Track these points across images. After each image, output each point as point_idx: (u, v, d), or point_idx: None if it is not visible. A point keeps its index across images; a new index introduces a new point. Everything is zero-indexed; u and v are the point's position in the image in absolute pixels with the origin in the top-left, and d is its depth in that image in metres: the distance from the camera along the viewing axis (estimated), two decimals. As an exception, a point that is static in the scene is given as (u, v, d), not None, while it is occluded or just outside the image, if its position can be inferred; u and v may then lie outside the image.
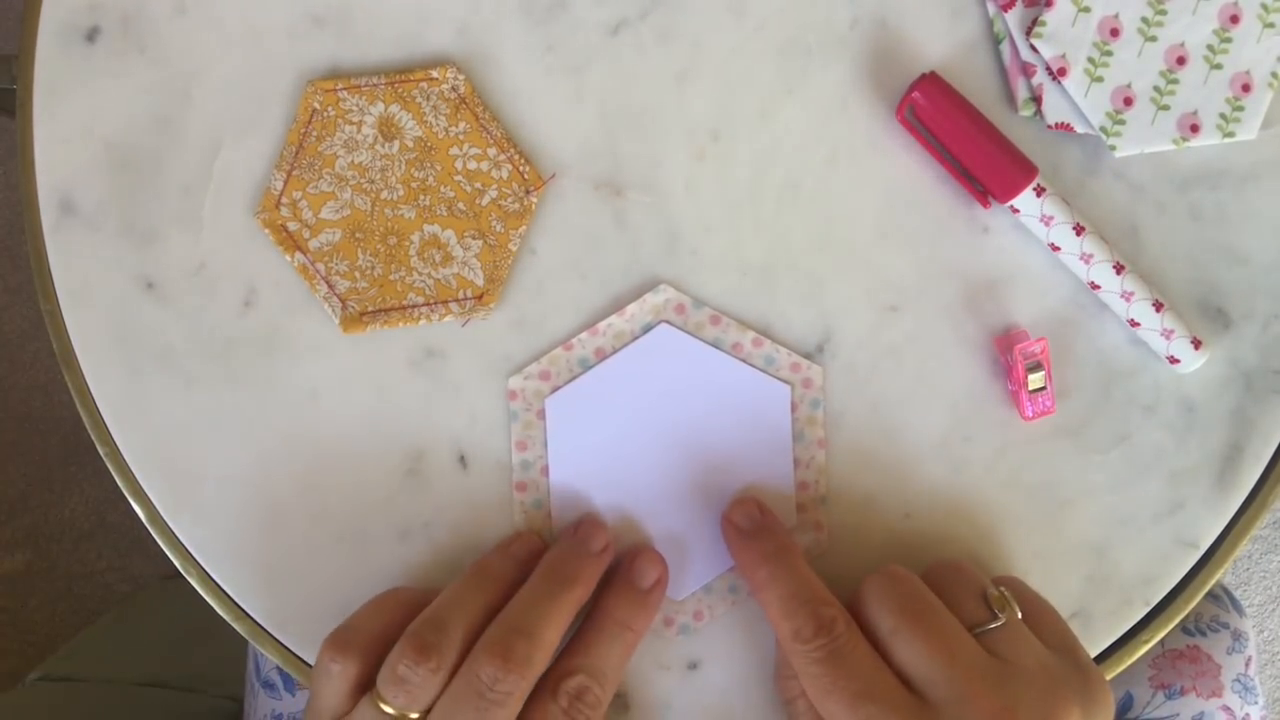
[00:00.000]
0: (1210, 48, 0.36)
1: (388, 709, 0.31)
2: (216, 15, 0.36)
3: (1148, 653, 0.48)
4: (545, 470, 0.37)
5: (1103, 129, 0.36)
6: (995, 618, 0.32)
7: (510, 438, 0.37)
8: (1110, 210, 0.37)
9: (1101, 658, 0.38)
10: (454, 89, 0.36)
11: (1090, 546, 0.38)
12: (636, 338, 0.37)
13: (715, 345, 0.37)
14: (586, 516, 0.36)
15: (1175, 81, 0.36)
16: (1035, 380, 0.37)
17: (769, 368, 0.37)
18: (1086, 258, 0.36)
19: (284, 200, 0.36)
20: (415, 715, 0.31)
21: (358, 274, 0.37)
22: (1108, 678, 0.38)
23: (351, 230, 0.36)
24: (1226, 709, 0.53)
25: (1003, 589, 0.33)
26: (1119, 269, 0.36)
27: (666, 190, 0.37)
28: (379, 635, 0.32)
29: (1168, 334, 0.37)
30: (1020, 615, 0.33)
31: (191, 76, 0.37)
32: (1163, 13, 0.36)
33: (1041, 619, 0.34)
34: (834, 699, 0.30)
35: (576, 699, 0.32)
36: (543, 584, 0.33)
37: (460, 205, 0.36)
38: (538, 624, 0.32)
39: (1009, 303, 0.38)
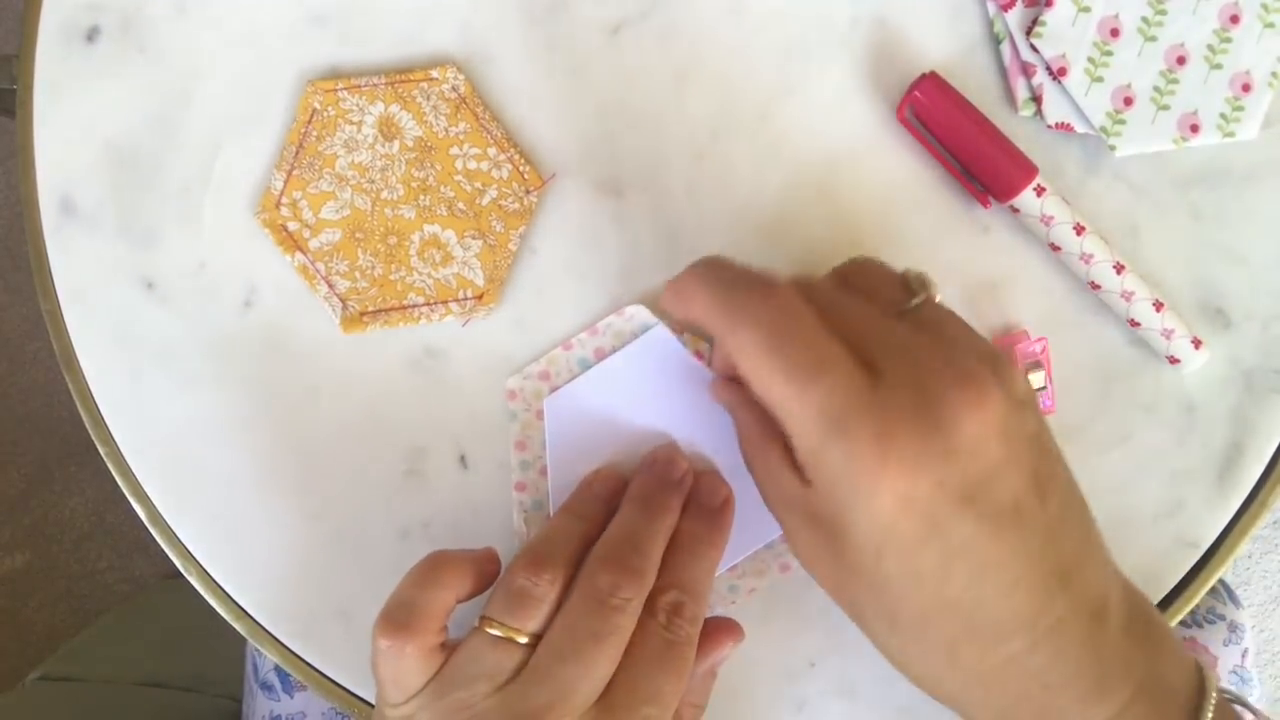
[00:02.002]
0: (1210, 48, 0.36)
1: (497, 632, 0.31)
2: (216, 15, 0.36)
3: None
4: (545, 470, 0.37)
5: (1103, 129, 0.36)
6: (914, 296, 0.30)
7: (510, 438, 0.37)
8: (1110, 210, 0.37)
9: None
10: (454, 89, 0.36)
11: (1090, 546, 0.38)
12: (636, 337, 0.37)
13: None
14: (663, 447, 0.36)
15: (1175, 81, 0.36)
16: (1035, 380, 0.37)
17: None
18: (1086, 258, 0.36)
19: (284, 200, 0.36)
20: (525, 639, 0.31)
21: (358, 274, 0.37)
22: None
23: (351, 230, 0.36)
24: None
25: (919, 271, 0.32)
26: (1119, 269, 0.36)
27: (666, 190, 0.37)
28: (433, 604, 0.32)
29: (1168, 334, 0.37)
30: (938, 296, 0.31)
31: (191, 76, 0.37)
32: (1163, 13, 0.36)
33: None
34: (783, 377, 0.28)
35: (674, 614, 0.32)
36: (636, 511, 0.34)
37: (460, 205, 0.36)
38: (642, 542, 0.33)
39: (1009, 303, 0.38)
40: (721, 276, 0.30)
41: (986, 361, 0.28)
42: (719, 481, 0.36)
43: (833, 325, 0.28)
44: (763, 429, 0.31)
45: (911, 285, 0.31)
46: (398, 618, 0.31)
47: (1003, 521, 0.27)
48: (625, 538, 0.33)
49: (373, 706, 0.38)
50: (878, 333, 0.28)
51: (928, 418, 0.26)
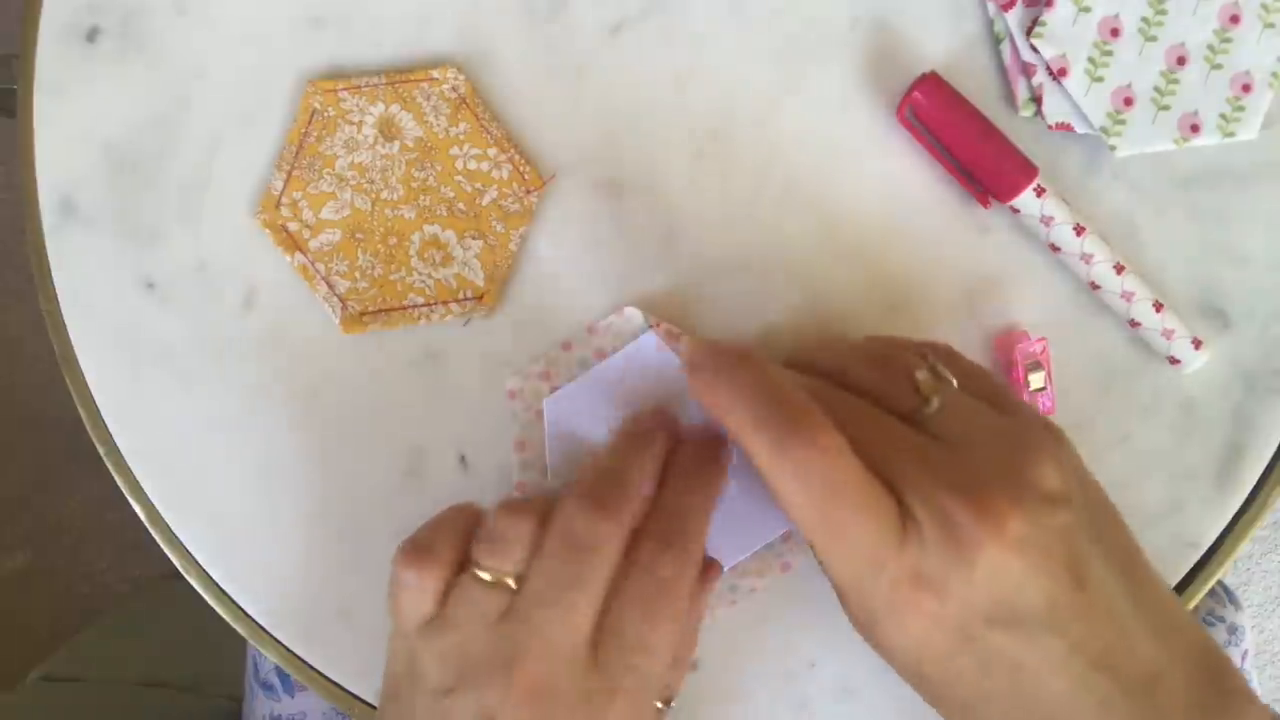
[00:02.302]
0: (1210, 48, 0.36)
1: (484, 575, 0.30)
2: (216, 15, 0.36)
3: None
4: (545, 470, 0.37)
5: (1103, 129, 0.36)
6: (928, 402, 0.31)
7: (510, 438, 0.37)
8: (1110, 210, 0.37)
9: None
10: (454, 89, 0.36)
11: (1090, 546, 0.38)
12: (636, 338, 0.37)
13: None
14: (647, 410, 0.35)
15: (1175, 81, 0.36)
16: (1035, 380, 0.37)
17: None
18: (1086, 258, 0.36)
19: (284, 200, 0.36)
20: (513, 581, 0.30)
21: (358, 274, 0.37)
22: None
23: (352, 230, 0.36)
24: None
25: (934, 363, 0.32)
26: (1119, 269, 0.36)
27: (666, 190, 0.37)
28: (455, 535, 0.31)
29: (1168, 334, 0.37)
30: (957, 384, 0.31)
31: (192, 77, 0.37)
32: (1163, 13, 0.36)
33: (980, 385, 0.32)
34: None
35: (659, 553, 0.31)
36: (621, 440, 0.33)
37: (460, 205, 0.36)
38: (623, 476, 0.31)
39: (1009, 303, 0.38)
40: (760, 396, 0.29)
41: (1006, 464, 0.29)
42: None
43: (857, 445, 0.29)
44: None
45: (924, 391, 0.31)
46: (419, 545, 0.31)
47: (1034, 627, 0.28)
48: (605, 472, 0.31)
49: (373, 707, 0.38)
50: (900, 456, 0.29)
51: (949, 553, 0.28)
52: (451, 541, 0.31)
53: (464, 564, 0.31)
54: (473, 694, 0.29)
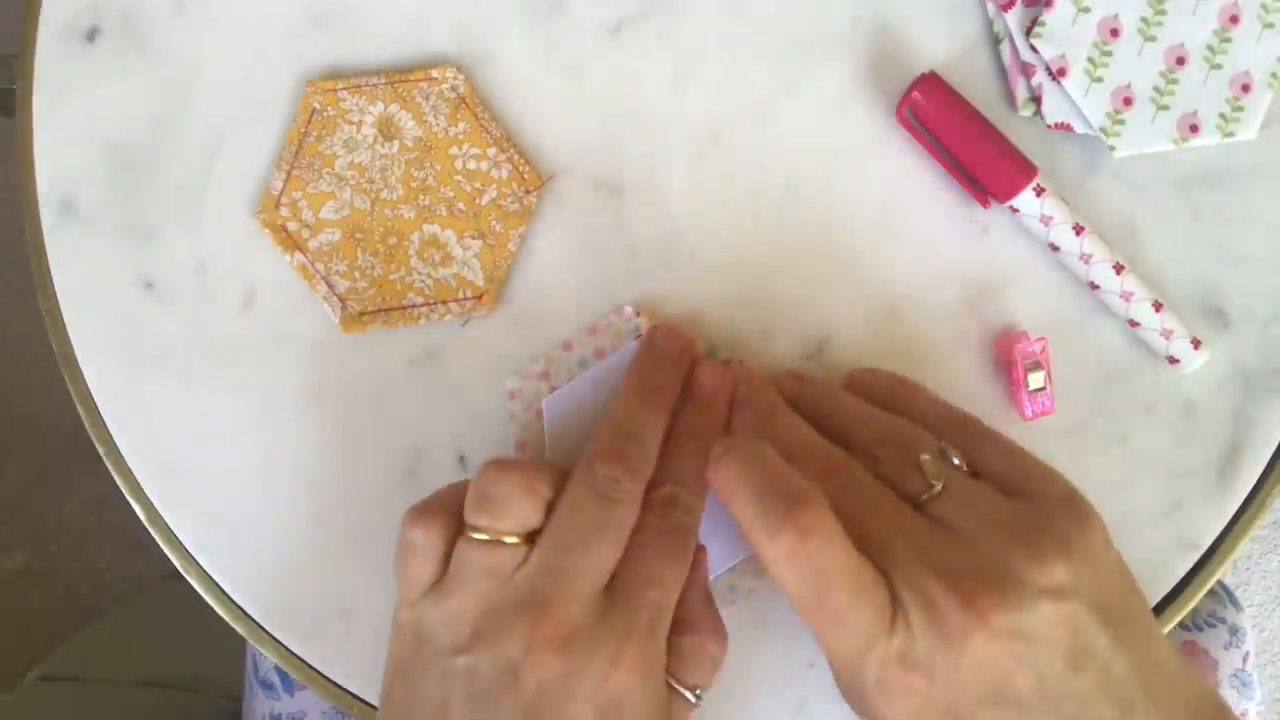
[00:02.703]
0: (1210, 48, 0.36)
1: (479, 535, 0.31)
2: (216, 15, 0.36)
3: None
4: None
5: (1103, 129, 0.36)
6: (932, 487, 0.31)
7: (510, 438, 0.37)
8: (1110, 210, 0.37)
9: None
10: (454, 89, 0.36)
11: (1090, 546, 0.38)
12: (636, 338, 0.37)
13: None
14: (659, 326, 0.36)
15: (1175, 81, 0.36)
16: (1035, 380, 0.37)
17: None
18: (1086, 258, 0.36)
19: (284, 200, 0.36)
20: (512, 539, 0.31)
21: (357, 274, 0.37)
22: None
23: (351, 230, 0.36)
24: (1225, 707, 0.53)
25: (942, 445, 0.33)
26: (1119, 269, 0.36)
27: (666, 190, 0.37)
28: (455, 502, 0.32)
29: (1167, 334, 0.37)
30: (964, 467, 0.32)
31: (191, 76, 0.37)
32: (1163, 13, 0.36)
33: (1005, 465, 0.33)
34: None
35: (669, 506, 0.33)
36: (634, 400, 0.34)
37: (460, 205, 0.36)
38: (639, 432, 0.33)
39: (1008, 303, 0.38)
40: (759, 483, 0.31)
41: (1002, 555, 0.29)
42: (712, 371, 0.36)
43: (855, 526, 0.30)
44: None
45: (928, 475, 0.32)
46: (423, 507, 0.32)
47: (1025, 708, 0.29)
48: (624, 427, 0.33)
49: (374, 707, 0.38)
50: (896, 540, 0.30)
51: (936, 640, 0.29)
52: (453, 506, 0.32)
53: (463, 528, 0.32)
54: (491, 648, 0.30)
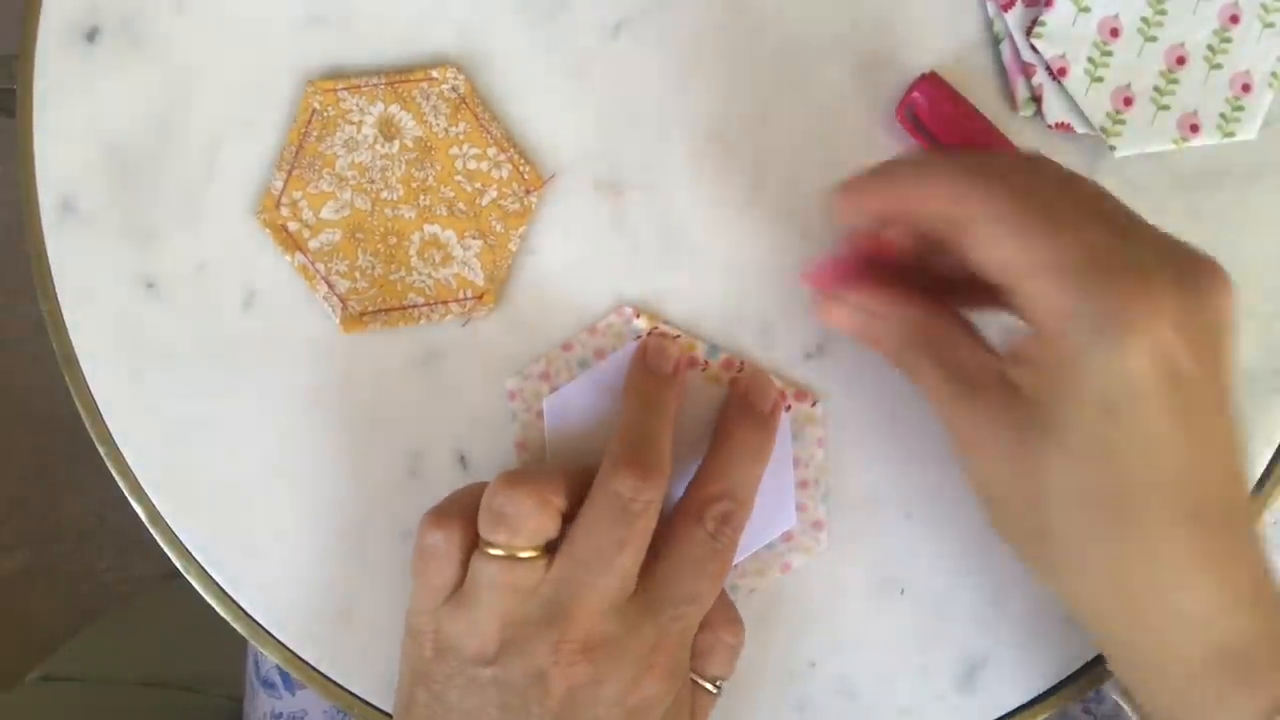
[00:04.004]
0: (1210, 48, 0.36)
1: (494, 551, 0.31)
2: (216, 15, 0.36)
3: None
4: (540, 465, 0.37)
5: (1103, 129, 0.36)
6: None
7: (510, 438, 0.37)
8: (1110, 210, 0.37)
9: (1101, 658, 0.38)
10: (454, 89, 0.36)
11: (1090, 546, 0.38)
12: (636, 338, 0.37)
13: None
14: (652, 337, 0.36)
15: (1175, 81, 0.36)
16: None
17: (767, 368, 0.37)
18: (1086, 258, 0.36)
19: (284, 200, 0.36)
20: (528, 553, 0.31)
21: (358, 274, 0.37)
22: (1108, 678, 0.38)
23: (351, 230, 0.36)
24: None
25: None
26: (1119, 269, 0.36)
27: (666, 190, 0.37)
28: (474, 506, 0.32)
29: (1168, 334, 0.37)
30: None
31: (191, 76, 0.37)
32: (1163, 13, 0.36)
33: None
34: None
35: (723, 523, 0.33)
36: (641, 407, 0.34)
37: (460, 205, 0.36)
38: (654, 438, 0.33)
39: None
40: (953, 159, 0.30)
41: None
42: (769, 385, 0.36)
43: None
44: (923, 325, 0.32)
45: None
46: (442, 510, 0.32)
47: (1227, 396, 0.28)
48: (638, 437, 0.33)
49: (373, 707, 0.38)
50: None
51: (1185, 280, 0.27)
52: (471, 509, 0.32)
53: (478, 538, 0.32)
54: (519, 658, 0.30)
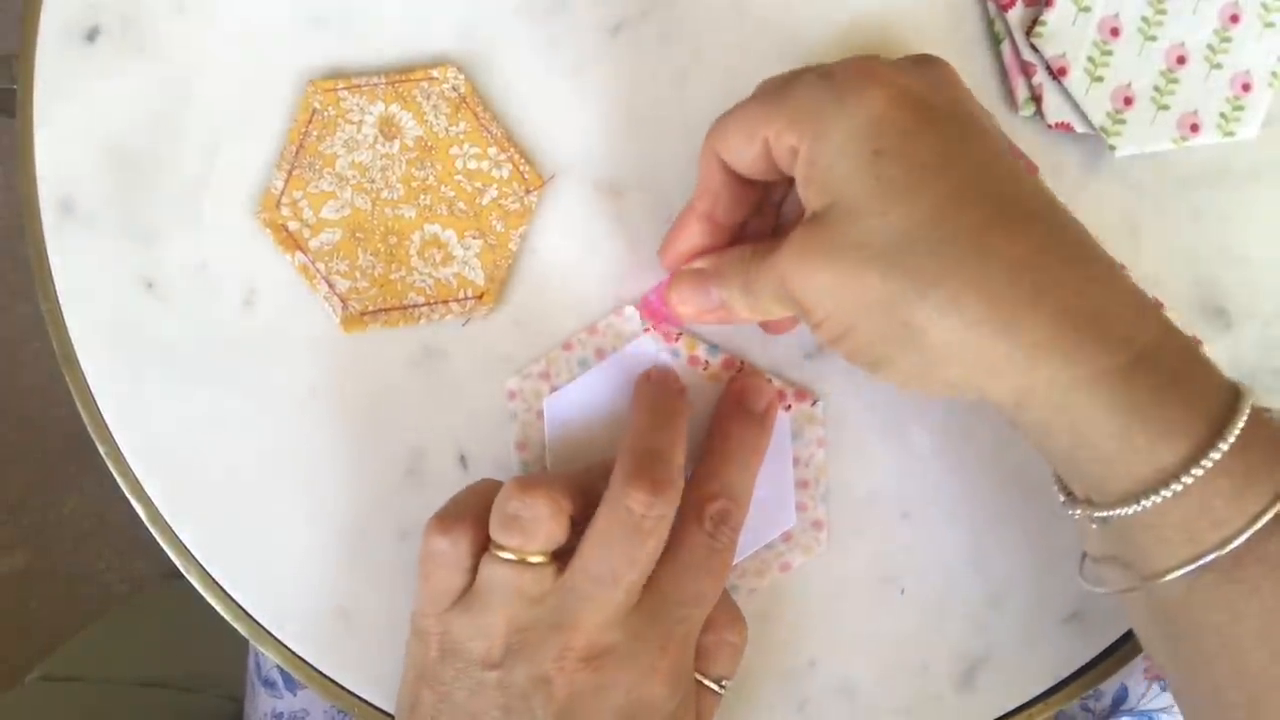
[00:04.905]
0: (1210, 47, 0.36)
1: (506, 555, 0.31)
2: (216, 15, 0.36)
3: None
4: (545, 471, 0.37)
5: (1103, 129, 0.36)
6: None
7: (510, 438, 0.37)
8: (1110, 210, 0.37)
9: (1101, 657, 0.38)
10: (454, 89, 0.36)
11: (1090, 546, 0.38)
12: (636, 338, 0.37)
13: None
14: (657, 368, 0.36)
15: (1175, 81, 0.36)
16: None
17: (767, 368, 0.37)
18: (1086, 257, 0.36)
19: (284, 200, 0.36)
20: (538, 559, 0.31)
21: (358, 273, 0.37)
22: (1108, 677, 0.38)
23: (352, 230, 0.36)
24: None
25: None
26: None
27: (667, 190, 0.37)
28: (485, 507, 0.32)
29: (1168, 334, 0.37)
30: None
31: (191, 76, 0.37)
32: (1163, 12, 0.36)
33: None
34: None
35: (721, 522, 0.33)
36: (652, 420, 0.34)
37: (460, 205, 0.36)
38: (666, 452, 0.32)
39: (1009, 302, 0.38)
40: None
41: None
42: (764, 385, 0.36)
43: None
44: (737, 262, 0.33)
45: None
46: (448, 514, 0.32)
47: (982, 121, 0.30)
48: (649, 451, 0.32)
49: (374, 707, 0.38)
50: None
51: (902, 61, 0.31)
52: (477, 512, 0.32)
53: (488, 541, 0.32)
54: (524, 663, 0.31)
